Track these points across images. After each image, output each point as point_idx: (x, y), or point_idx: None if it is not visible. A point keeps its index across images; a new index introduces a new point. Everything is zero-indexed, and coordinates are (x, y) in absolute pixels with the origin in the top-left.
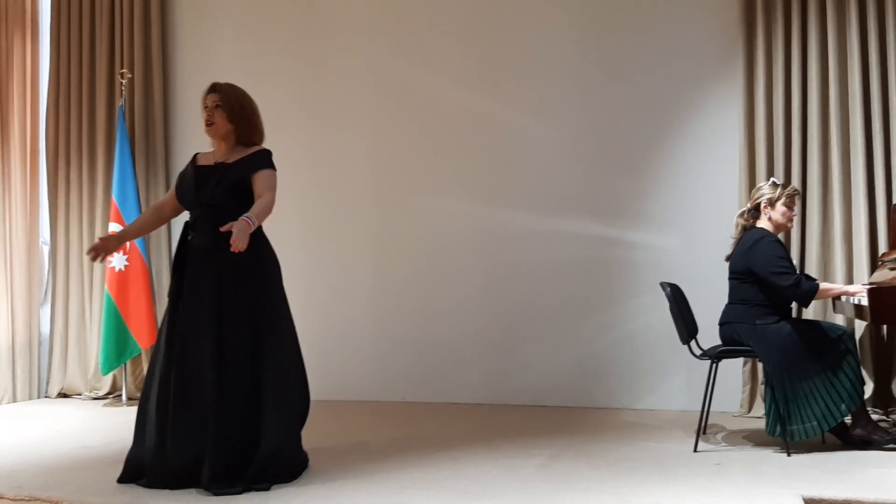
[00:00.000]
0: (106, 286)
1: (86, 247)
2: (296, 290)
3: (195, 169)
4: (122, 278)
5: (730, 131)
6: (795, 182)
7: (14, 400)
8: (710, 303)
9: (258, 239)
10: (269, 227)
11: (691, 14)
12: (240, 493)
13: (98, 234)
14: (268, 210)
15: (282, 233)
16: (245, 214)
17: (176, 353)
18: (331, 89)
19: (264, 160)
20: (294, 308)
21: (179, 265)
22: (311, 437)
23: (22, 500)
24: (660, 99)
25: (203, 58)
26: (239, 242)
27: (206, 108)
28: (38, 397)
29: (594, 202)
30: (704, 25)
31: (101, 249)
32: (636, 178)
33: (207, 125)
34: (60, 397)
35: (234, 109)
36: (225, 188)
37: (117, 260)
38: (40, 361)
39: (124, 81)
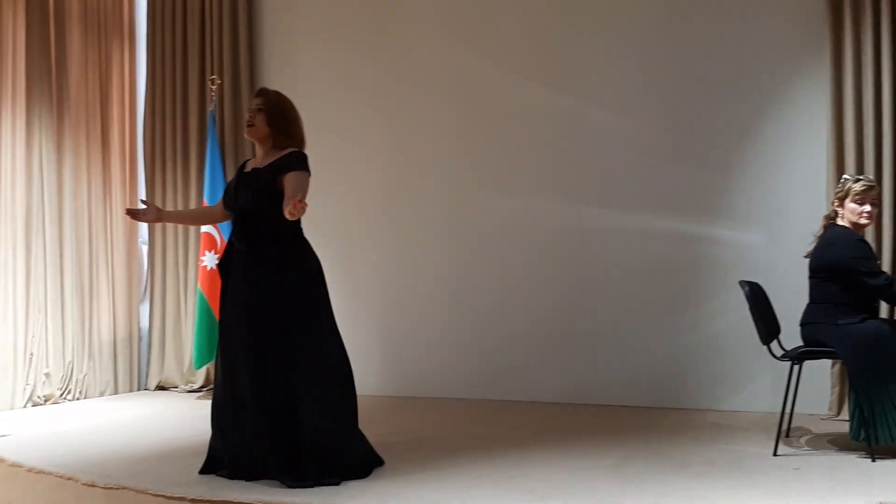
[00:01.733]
0: (199, 284)
1: (181, 247)
2: (368, 287)
3: (239, 174)
4: (213, 276)
5: (816, 124)
6: (887, 176)
7: (116, 392)
8: (797, 302)
9: (293, 240)
10: (342, 226)
11: (774, 2)
12: (310, 486)
13: (192, 234)
14: (303, 188)
15: (355, 231)
16: (290, 195)
17: (225, 352)
18: (409, 89)
19: (295, 162)
20: (365, 305)
21: (224, 268)
22: (382, 431)
23: (111, 488)
24: (742, 91)
25: (288, 63)
26: (296, 212)
27: (249, 109)
28: (138, 389)
29: (674, 198)
30: (789, 14)
31: (140, 216)
32: (718, 174)
33: (247, 126)
34: (158, 389)
35: (274, 115)
36: (254, 192)
37: (209, 259)
38: (140, 355)
39: (214, 87)
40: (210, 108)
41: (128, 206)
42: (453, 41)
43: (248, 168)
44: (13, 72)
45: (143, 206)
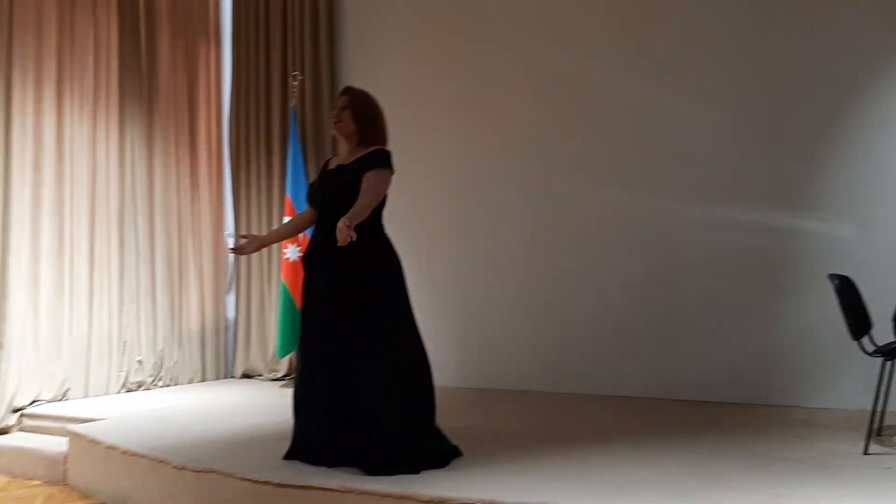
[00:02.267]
0: (281, 276)
1: None
2: (447, 280)
3: (322, 173)
4: (295, 268)
5: None
6: None
7: (203, 379)
8: (891, 296)
9: (375, 236)
10: (423, 220)
11: None
12: (389, 474)
13: (276, 226)
14: (363, 210)
15: (436, 225)
16: (344, 217)
17: (307, 343)
18: (491, 82)
19: (377, 160)
20: (444, 298)
21: (308, 263)
22: (460, 423)
23: (200, 471)
24: (833, 79)
25: (368, 58)
26: (340, 239)
27: (335, 107)
28: (225, 377)
29: (763, 190)
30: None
31: (245, 251)
32: (808, 164)
33: (335, 122)
34: (244, 378)
35: (360, 112)
36: (338, 190)
37: (291, 251)
38: (226, 345)
39: (296, 83)
40: (292, 103)
41: (223, 233)
42: (537, 33)
43: (332, 165)
44: (107, 72)
45: (244, 241)
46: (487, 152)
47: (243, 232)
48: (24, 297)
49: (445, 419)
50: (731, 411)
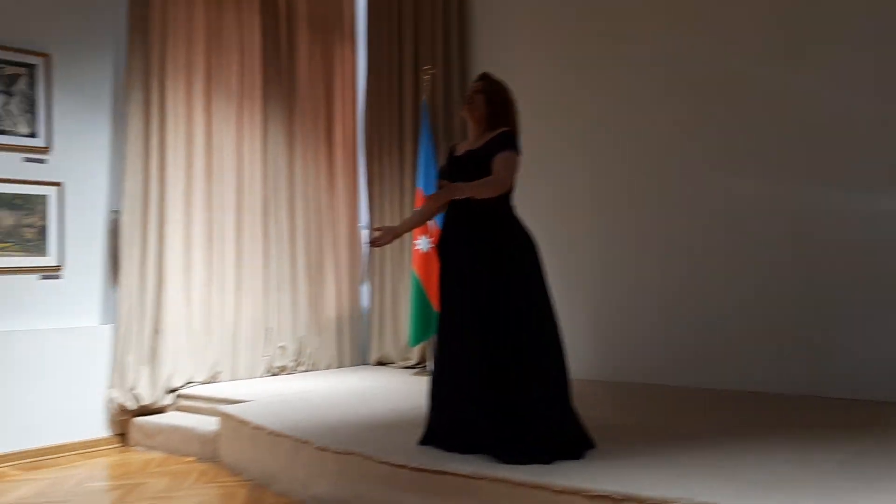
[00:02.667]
0: (413, 267)
1: None
2: (581, 268)
3: (450, 159)
4: (426, 259)
5: None
6: None
7: (340, 366)
8: None
9: (507, 219)
10: (555, 209)
11: None
12: (523, 463)
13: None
14: (482, 188)
15: (569, 213)
16: (461, 183)
17: (445, 330)
18: (626, 71)
19: (504, 142)
20: (578, 287)
21: (442, 251)
22: (593, 415)
23: (341, 453)
24: None
25: (498, 51)
26: (442, 193)
27: (469, 91)
28: (360, 364)
29: None
30: None
31: (380, 242)
32: None
33: (467, 104)
34: (378, 365)
35: (493, 97)
36: (468, 174)
37: (422, 242)
38: (361, 333)
39: (427, 77)
40: (423, 97)
41: (358, 225)
42: (673, 20)
43: (460, 151)
44: (251, 73)
45: (378, 233)
46: (621, 142)
47: (377, 224)
48: (179, 285)
49: (577, 410)
50: (885, 410)
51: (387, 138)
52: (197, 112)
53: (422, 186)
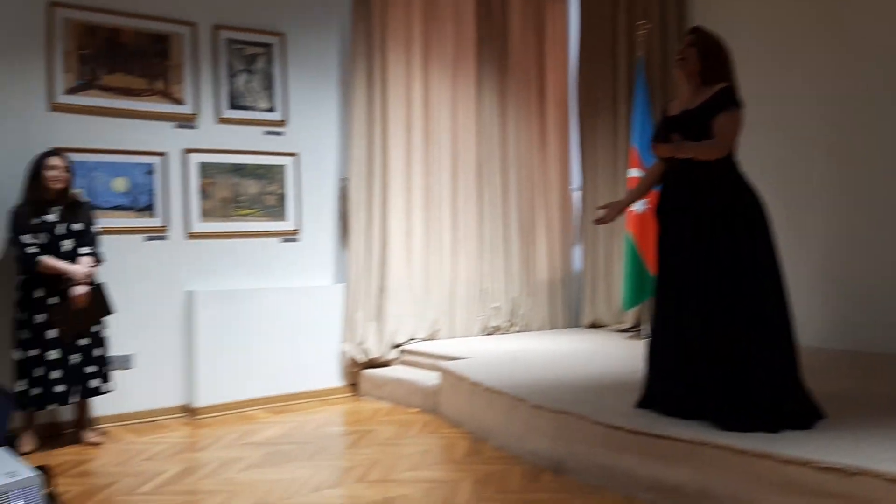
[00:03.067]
0: (627, 228)
1: (609, 192)
2: (810, 230)
3: (664, 121)
4: (641, 221)
5: None
6: None
7: (553, 327)
8: None
9: (729, 177)
10: (781, 169)
11: None
12: (745, 431)
13: (621, 180)
14: (706, 149)
15: (796, 174)
16: (680, 141)
17: (667, 294)
18: (853, 19)
19: (725, 100)
20: (807, 250)
21: (661, 213)
22: (824, 385)
23: (556, 412)
24: None
25: (717, 6)
26: (662, 150)
27: (680, 46)
28: (573, 327)
29: None
30: None
31: (606, 219)
32: None
33: (678, 60)
34: (590, 328)
35: (706, 50)
36: (687, 134)
37: (638, 203)
38: (574, 295)
39: (643, 33)
40: (639, 53)
41: (569, 187)
42: None
43: (675, 111)
44: (465, 39)
45: (602, 211)
46: (851, 93)
47: (589, 188)
48: (400, 247)
49: (807, 379)
50: None
51: (600, 97)
52: (415, 79)
53: (636, 145)
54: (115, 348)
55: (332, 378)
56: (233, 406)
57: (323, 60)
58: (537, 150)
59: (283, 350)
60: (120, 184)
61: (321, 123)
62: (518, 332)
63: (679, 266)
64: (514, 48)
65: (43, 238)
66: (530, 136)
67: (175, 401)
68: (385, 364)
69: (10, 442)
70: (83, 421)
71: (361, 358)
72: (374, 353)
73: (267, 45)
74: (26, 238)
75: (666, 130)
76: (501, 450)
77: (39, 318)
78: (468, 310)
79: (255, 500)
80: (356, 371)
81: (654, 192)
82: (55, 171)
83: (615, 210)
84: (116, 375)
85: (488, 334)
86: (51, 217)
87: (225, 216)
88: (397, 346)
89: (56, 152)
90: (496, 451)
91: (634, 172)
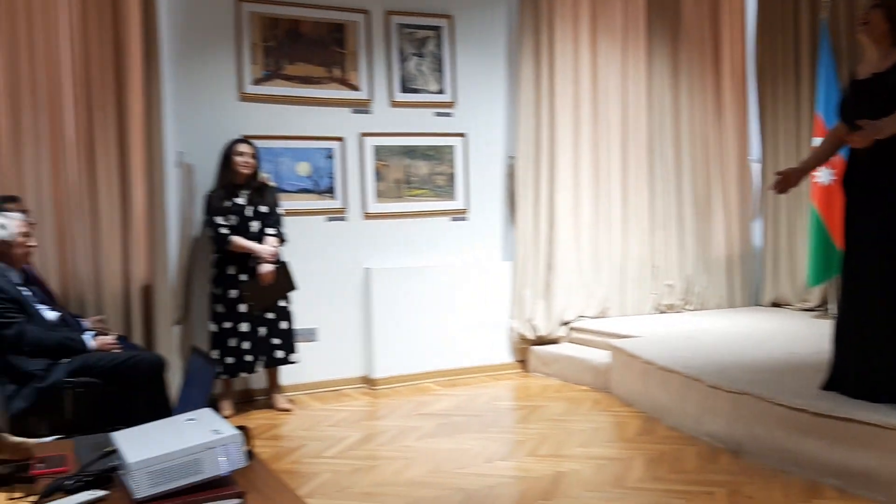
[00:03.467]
0: (812, 200)
1: (794, 163)
2: None
3: (852, 85)
4: (827, 193)
5: None
6: None
7: (731, 306)
8: None
9: None
10: None
11: None
12: None
13: (804, 149)
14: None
15: None
16: (870, 124)
17: (850, 271)
18: None
19: None
20: None
21: (847, 185)
22: None
23: (734, 392)
24: None
25: None
26: (858, 142)
27: (863, 8)
28: (752, 305)
29: None
30: None
31: (784, 184)
32: None
33: (861, 24)
34: (773, 306)
35: (893, 11)
36: (875, 104)
37: (823, 174)
38: (754, 272)
39: None
40: (822, 16)
41: (748, 158)
42: None
43: (864, 74)
44: (635, 10)
45: (779, 177)
46: None
47: (769, 158)
48: (569, 224)
49: None
50: None
51: (781, 64)
52: (583, 54)
53: (821, 113)
54: (300, 322)
55: (502, 354)
56: (408, 378)
57: (490, 40)
58: (713, 121)
59: (454, 325)
60: (303, 168)
61: (489, 103)
62: (693, 310)
63: (863, 241)
64: (686, 18)
65: (233, 220)
66: (705, 108)
67: (355, 372)
68: (554, 341)
69: (213, 405)
70: (274, 389)
71: (530, 334)
72: (543, 331)
73: (436, 28)
74: (219, 219)
75: (854, 94)
76: (675, 430)
77: (232, 293)
78: (639, 287)
79: (430, 468)
80: (525, 347)
81: (840, 162)
82: (243, 158)
83: (794, 177)
84: (302, 347)
85: (661, 313)
86: (240, 200)
87: (398, 197)
88: (566, 323)
89: (244, 140)
90: (670, 431)
91: (819, 141)
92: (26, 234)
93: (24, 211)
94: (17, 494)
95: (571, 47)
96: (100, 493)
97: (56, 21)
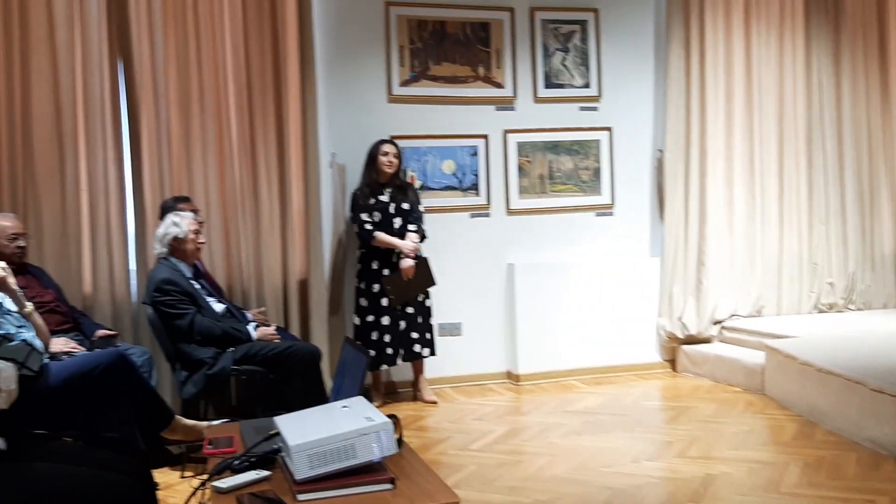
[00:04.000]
0: None
1: None
2: None
3: None
4: None
5: None
6: None
7: None
8: None
9: None
10: None
11: None
12: None
13: None
14: None
15: None
16: None
17: None
18: None
19: None
20: None
21: None
22: None
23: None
24: None
25: None
26: None
27: None
28: None
29: None
30: None
31: None
32: None
33: None
34: None
35: None
36: None
37: None
38: None
39: None
40: None
41: None
42: None
43: None
44: None
45: None
46: None
47: None
48: (720, 219)
49: None
50: None
51: None
52: (735, 43)
53: None
54: (444, 317)
55: (649, 353)
56: (552, 375)
57: (637, 32)
58: (878, 109)
59: (599, 323)
60: (448, 166)
61: (635, 96)
62: (856, 310)
63: None
64: (849, 2)
65: (377, 216)
66: (869, 96)
67: (499, 367)
68: (705, 340)
69: (364, 395)
70: (420, 382)
71: (679, 333)
72: (693, 329)
73: (581, 22)
74: (363, 216)
75: None
76: (835, 434)
77: (375, 287)
78: (797, 285)
79: (575, 465)
80: (674, 347)
81: None
82: (387, 157)
83: None
84: (446, 342)
85: (821, 312)
86: (383, 197)
87: (541, 192)
88: (717, 322)
89: (388, 140)
90: (829, 436)
91: None
92: (196, 232)
93: (194, 210)
94: (188, 473)
95: (723, 36)
96: (264, 472)
97: (222, 33)
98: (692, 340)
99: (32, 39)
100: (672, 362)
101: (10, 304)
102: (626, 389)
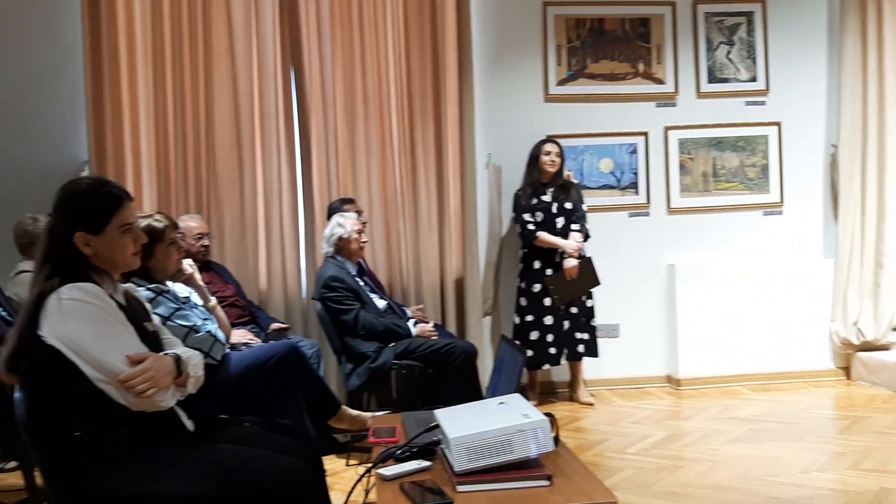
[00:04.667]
0: None
1: None
2: None
3: None
4: None
5: None
6: None
7: None
8: None
9: None
10: None
11: None
12: None
13: None
14: None
15: None
16: None
17: None
18: None
19: None
20: None
21: None
22: None
23: None
24: None
25: None
26: None
27: None
28: None
29: None
30: None
31: None
32: None
33: None
34: None
35: None
36: None
37: None
38: None
39: None
40: None
41: None
42: None
43: None
44: None
45: None
46: None
47: None
48: None
49: None
50: None
51: None
52: None
53: None
54: (602, 318)
55: (820, 359)
56: (714, 380)
57: (808, 21)
58: None
59: (766, 327)
60: (606, 164)
61: (806, 89)
62: None
63: None
64: None
65: (539, 216)
66: None
67: (659, 370)
68: (882, 347)
69: (521, 393)
70: (577, 382)
71: (854, 339)
72: (870, 335)
73: (748, 14)
74: (526, 216)
75: None
76: None
77: (535, 287)
78: None
79: (738, 473)
80: (848, 353)
81: None
82: (550, 157)
83: None
84: (604, 343)
85: None
86: (546, 197)
87: (704, 191)
88: None
89: (551, 140)
90: None
91: None
92: (360, 232)
93: (358, 211)
94: (353, 461)
95: None
96: (425, 463)
97: (385, 42)
98: (868, 347)
99: (214, 56)
100: (846, 370)
101: (196, 298)
102: (794, 397)
